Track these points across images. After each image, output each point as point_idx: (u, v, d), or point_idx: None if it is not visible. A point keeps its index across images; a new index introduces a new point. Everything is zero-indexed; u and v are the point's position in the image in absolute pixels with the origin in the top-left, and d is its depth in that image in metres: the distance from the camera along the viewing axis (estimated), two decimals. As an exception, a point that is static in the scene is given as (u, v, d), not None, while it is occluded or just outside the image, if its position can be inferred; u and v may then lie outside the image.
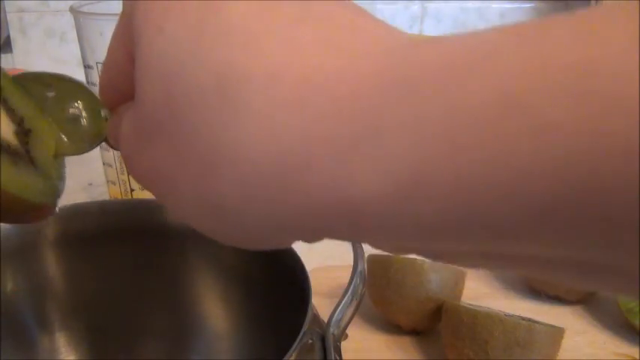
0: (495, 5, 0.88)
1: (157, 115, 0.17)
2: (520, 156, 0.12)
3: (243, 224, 0.16)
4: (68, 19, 0.73)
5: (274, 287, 0.38)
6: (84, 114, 0.25)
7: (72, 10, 0.53)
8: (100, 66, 0.53)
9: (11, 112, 0.24)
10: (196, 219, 0.17)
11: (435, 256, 0.16)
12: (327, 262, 0.56)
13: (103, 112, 0.24)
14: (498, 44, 0.12)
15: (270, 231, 0.16)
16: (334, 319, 0.32)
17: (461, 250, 0.15)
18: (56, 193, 0.24)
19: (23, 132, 0.24)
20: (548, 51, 0.12)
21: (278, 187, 0.15)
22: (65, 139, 0.25)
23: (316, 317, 0.33)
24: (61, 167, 0.25)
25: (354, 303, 0.34)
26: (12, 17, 0.82)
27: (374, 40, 0.15)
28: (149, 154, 0.18)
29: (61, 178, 0.25)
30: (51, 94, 0.25)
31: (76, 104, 0.25)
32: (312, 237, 0.16)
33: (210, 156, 0.16)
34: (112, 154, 0.58)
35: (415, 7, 0.88)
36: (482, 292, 0.53)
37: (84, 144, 0.25)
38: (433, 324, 0.46)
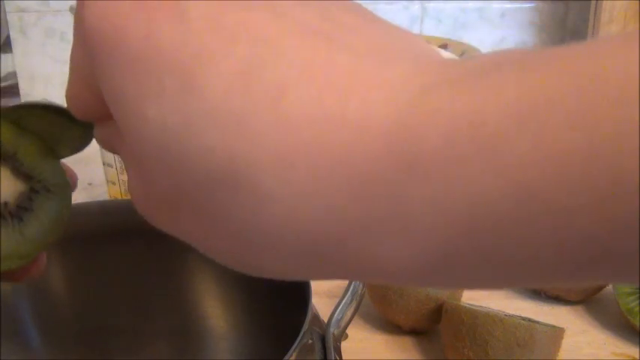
0: (496, 5, 0.88)
1: (168, 197, 0.16)
2: (541, 236, 0.12)
3: (286, 277, 0.17)
4: (68, 19, 0.73)
5: (274, 287, 0.38)
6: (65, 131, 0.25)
7: (72, 10, 0.53)
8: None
9: (17, 168, 0.24)
10: (235, 267, 0.17)
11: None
12: (327, 262, 0.56)
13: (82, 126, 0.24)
14: (501, 129, 0.12)
15: (310, 279, 0.18)
16: (334, 319, 0.32)
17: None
18: (36, 247, 0.25)
19: (36, 188, 0.24)
20: (552, 137, 0.12)
21: (315, 259, 0.15)
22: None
23: (316, 317, 0.33)
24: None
25: (354, 303, 0.34)
26: (12, 17, 0.82)
27: (371, 104, 0.14)
28: (168, 219, 0.17)
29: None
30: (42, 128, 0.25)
31: (56, 125, 0.25)
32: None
33: (241, 236, 0.15)
34: (112, 155, 0.58)
35: (415, 7, 0.88)
36: (482, 292, 0.53)
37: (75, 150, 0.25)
38: (433, 324, 0.46)
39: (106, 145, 0.21)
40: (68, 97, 0.20)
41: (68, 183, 0.25)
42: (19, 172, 0.24)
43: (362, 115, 0.13)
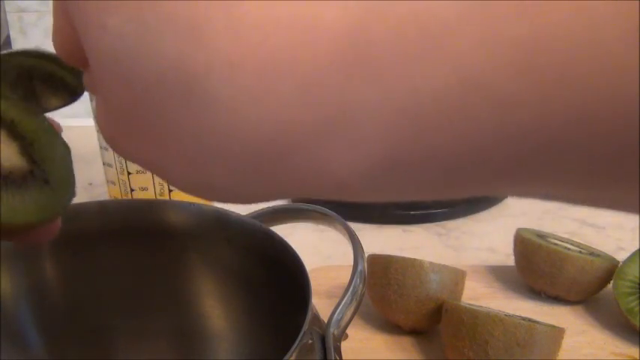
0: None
1: (126, 112, 0.17)
2: (485, 127, 0.13)
3: (238, 196, 0.17)
4: (68, 19, 0.73)
5: (274, 287, 0.38)
6: (55, 79, 0.25)
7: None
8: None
9: (11, 129, 0.24)
10: (194, 193, 0.18)
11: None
12: (327, 262, 0.56)
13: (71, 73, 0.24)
14: (449, 22, 0.13)
15: (263, 199, 0.17)
16: (334, 319, 0.32)
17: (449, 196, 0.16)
18: (61, 202, 0.24)
19: (27, 146, 0.24)
20: (496, 28, 0.12)
21: (264, 169, 0.15)
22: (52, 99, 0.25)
23: (316, 317, 0.33)
24: (68, 167, 0.25)
25: (354, 303, 0.34)
26: (12, 17, 0.82)
27: (324, 8, 0.14)
28: (129, 143, 0.18)
29: (70, 181, 0.25)
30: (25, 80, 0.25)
31: (46, 73, 0.25)
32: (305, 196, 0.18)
33: (191, 148, 0.16)
34: (112, 155, 0.58)
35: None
36: (482, 292, 0.53)
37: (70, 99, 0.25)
38: (433, 324, 0.46)
39: (91, 86, 0.21)
40: (54, 37, 0.20)
41: (57, 134, 0.25)
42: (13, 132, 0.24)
43: (313, 16, 0.14)
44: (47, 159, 0.24)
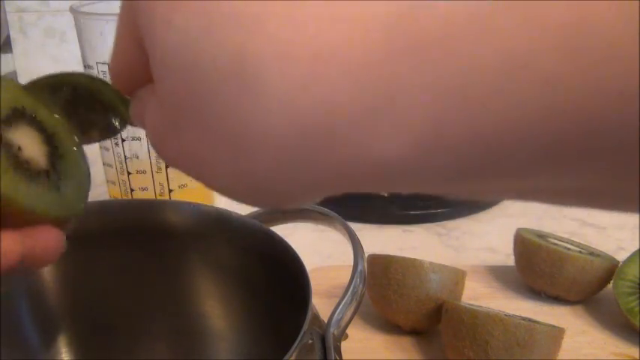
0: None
1: (181, 105, 0.18)
2: (529, 106, 0.13)
3: (277, 190, 0.17)
4: (68, 19, 0.73)
5: (274, 287, 0.38)
6: (104, 107, 0.25)
7: (72, 10, 0.54)
8: (99, 66, 0.53)
9: (38, 129, 0.24)
10: (232, 191, 0.19)
11: (453, 194, 0.18)
12: (327, 262, 0.56)
13: (121, 98, 0.25)
14: (496, 5, 0.13)
15: (300, 192, 0.18)
16: (334, 319, 0.32)
17: (483, 190, 0.16)
18: (75, 206, 0.25)
19: (53, 150, 0.25)
20: (541, 10, 0.13)
21: (307, 156, 0.16)
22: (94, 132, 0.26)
23: (316, 317, 0.33)
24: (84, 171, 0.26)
25: (354, 303, 0.34)
26: (12, 17, 0.82)
27: (378, 6, 0.15)
28: (178, 140, 0.19)
29: (85, 183, 0.26)
30: (66, 95, 0.25)
31: (95, 99, 0.25)
32: (338, 192, 0.18)
33: (239, 137, 0.16)
34: (112, 155, 0.58)
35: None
36: (482, 292, 0.53)
37: (110, 133, 0.26)
38: (433, 324, 0.46)
39: (136, 117, 0.23)
40: (113, 60, 0.22)
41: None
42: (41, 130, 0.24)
43: (362, 11, 0.15)
44: (68, 175, 0.25)
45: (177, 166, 0.20)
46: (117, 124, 0.26)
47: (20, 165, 0.23)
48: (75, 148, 0.25)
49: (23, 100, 0.24)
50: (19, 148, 0.23)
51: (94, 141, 0.27)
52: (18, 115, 0.24)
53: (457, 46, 0.13)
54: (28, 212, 0.23)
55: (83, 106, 0.26)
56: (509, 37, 0.13)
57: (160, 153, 0.21)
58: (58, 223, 0.24)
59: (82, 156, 0.26)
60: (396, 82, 0.14)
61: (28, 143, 0.24)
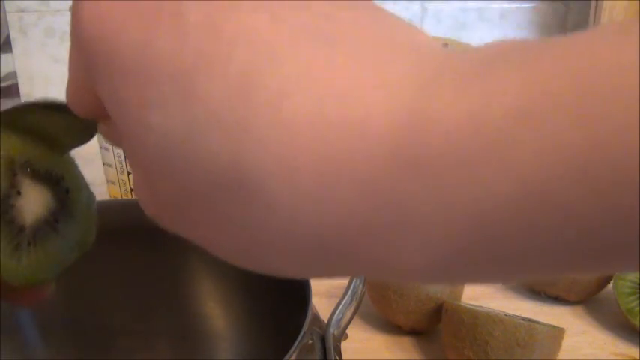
0: (495, 5, 0.88)
1: (176, 201, 0.16)
2: (543, 232, 0.13)
3: (288, 274, 0.17)
4: (68, 19, 0.73)
5: (274, 287, 0.38)
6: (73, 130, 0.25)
7: (72, 10, 0.53)
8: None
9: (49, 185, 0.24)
10: (234, 261, 0.17)
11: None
12: (327, 262, 0.56)
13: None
14: (508, 131, 0.12)
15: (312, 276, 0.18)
16: (334, 319, 0.32)
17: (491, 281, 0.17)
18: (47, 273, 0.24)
19: (62, 192, 0.25)
20: (553, 136, 0.12)
21: (321, 262, 0.15)
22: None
23: (316, 317, 0.33)
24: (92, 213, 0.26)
25: (354, 303, 0.34)
26: (12, 17, 0.82)
27: (371, 111, 0.13)
28: (176, 225, 0.17)
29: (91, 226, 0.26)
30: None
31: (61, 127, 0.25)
32: None
33: (249, 237, 0.15)
34: (112, 155, 0.58)
35: (415, 7, 0.88)
36: (482, 292, 0.53)
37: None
38: (433, 324, 0.46)
39: (110, 140, 0.21)
40: (68, 98, 0.20)
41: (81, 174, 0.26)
42: (39, 177, 0.24)
43: (362, 118, 0.13)
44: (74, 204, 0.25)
45: (164, 224, 0.18)
46: (83, 138, 0.25)
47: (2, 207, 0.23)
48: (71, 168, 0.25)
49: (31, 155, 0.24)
50: (19, 193, 0.23)
51: (72, 147, 0.25)
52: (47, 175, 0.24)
53: (463, 171, 0.13)
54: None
55: (51, 125, 0.24)
56: (525, 165, 0.12)
57: (153, 219, 0.19)
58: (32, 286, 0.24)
59: (81, 245, 0.25)
60: (406, 198, 0.13)
61: (33, 197, 0.23)
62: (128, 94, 0.15)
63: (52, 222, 0.24)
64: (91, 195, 0.26)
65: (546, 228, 0.12)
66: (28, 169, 0.24)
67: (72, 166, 0.25)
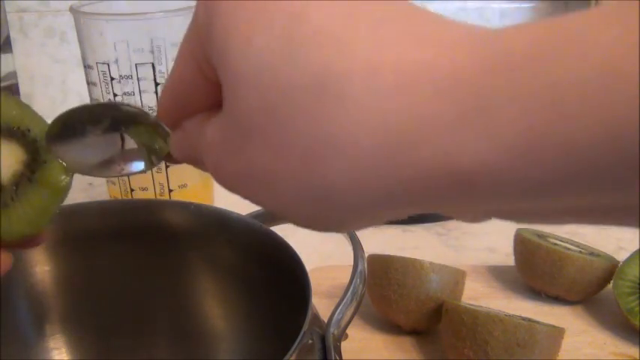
0: (495, 5, 0.88)
1: (254, 120, 0.18)
2: (620, 118, 0.13)
3: (345, 203, 0.17)
4: (68, 19, 0.73)
5: (274, 287, 0.38)
6: (141, 141, 0.25)
7: (72, 10, 0.53)
8: (99, 66, 0.53)
9: (27, 150, 0.25)
10: (295, 209, 0.19)
11: (517, 217, 0.18)
12: (327, 262, 0.56)
13: (162, 131, 0.25)
14: (580, 27, 0.14)
15: (369, 208, 0.17)
16: (334, 319, 0.32)
17: (551, 207, 0.17)
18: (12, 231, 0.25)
19: (31, 142, 0.25)
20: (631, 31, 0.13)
21: (387, 164, 0.16)
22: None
23: (316, 317, 0.33)
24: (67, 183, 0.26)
25: (354, 303, 0.34)
26: (12, 17, 0.82)
27: (458, 30, 0.16)
28: (244, 158, 0.19)
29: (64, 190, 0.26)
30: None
31: (133, 132, 0.25)
32: (407, 210, 0.18)
33: (315, 147, 0.17)
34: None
35: (415, 7, 0.88)
36: (482, 292, 0.53)
37: (149, 164, 0.26)
38: (433, 324, 0.46)
39: (180, 147, 0.23)
40: (169, 82, 0.23)
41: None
42: (6, 133, 0.25)
43: (447, 33, 0.15)
44: (24, 199, 0.25)
45: (236, 186, 0.20)
46: (152, 158, 0.26)
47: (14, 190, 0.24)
48: (54, 180, 0.25)
49: (28, 120, 0.25)
50: None
51: (124, 174, 0.26)
52: (12, 133, 0.24)
53: (546, 62, 0.14)
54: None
55: (120, 139, 0.25)
56: (603, 46, 0.13)
57: (219, 173, 0.20)
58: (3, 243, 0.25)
59: (57, 189, 0.26)
60: (485, 95, 0.14)
61: (4, 155, 0.24)
62: (239, 25, 0.18)
63: (28, 174, 0.25)
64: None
65: (620, 109, 0.13)
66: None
67: (35, 115, 0.26)
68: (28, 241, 0.26)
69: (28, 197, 0.25)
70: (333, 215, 0.18)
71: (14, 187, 0.25)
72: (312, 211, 0.18)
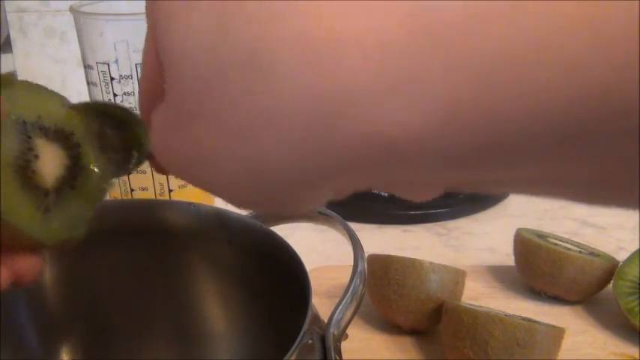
0: None
1: (191, 98, 0.18)
2: (550, 90, 0.13)
3: (285, 180, 0.18)
4: (68, 19, 0.73)
5: (274, 287, 0.38)
6: (128, 141, 0.26)
7: (72, 10, 0.54)
8: (99, 66, 0.53)
9: (69, 153, 0.24)
10: (235, 187, 0.19)
11: (459, 185, 0.18)
12: (327, 262, 0.56)
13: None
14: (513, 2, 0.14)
15: (305, 184, 0.18)
16: (334, 319, 0.32)
17: (492, 178, 0.17)
18: (58, 235, 0.24)
19: (74, 147, 0.25)
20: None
21: (319, 135, 0.16)
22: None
23: (316, 317, 0.33)
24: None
25: (354, 303, 0.34)
26: (12, 17, 0.82)
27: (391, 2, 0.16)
28: (183, 137, 0.19)
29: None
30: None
31: (121, 132, 0.25)
32: (346, 187, 0.18)
33: (250, 122, 0.17)
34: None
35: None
36: (482, 292, 0.53)
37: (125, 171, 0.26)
38: (433, 324, 0.46)
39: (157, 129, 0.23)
40: (141, 79, 0.23)
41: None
42: (51, 135, 0.24)
43: (380, 4, 0.15)
44: (67, 204, 0.25)
45: (180, 168, 0.20)
46: (134, 160, 0.26)
47: (25, 174, 0.23)
48: (98, 183, 0.25)
49: (71, 121, 0.25)
50: (36, 157, 0.23)
51: (127, 173, 0.26)
52: (57, 133, 0.24)
53: (476, 30, 0.14)
54: (7, 226, 0.22)
55: (109, 140, 0.25)
56: (531, 22, 0.13)
57: (164, 158, 0.21)
58: (35, 245, 0.24)
59: (98, 195, 0.25)
60: (412, 64, 0.14)
61: (49, 158, 0.24)
62: (175, 10, 0.18)
63: (69, 179, 0.24)
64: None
65: (554, 85, 0.13)
66: (40, 129, 0.24)
67: (79, 117, 0.25)
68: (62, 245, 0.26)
69: (69, 203, 0.24)
70: (272, 192, 0.18)
71: (56, 193, 0.24)
72: (252, 188, 0.19)
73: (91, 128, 0.25)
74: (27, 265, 0.24)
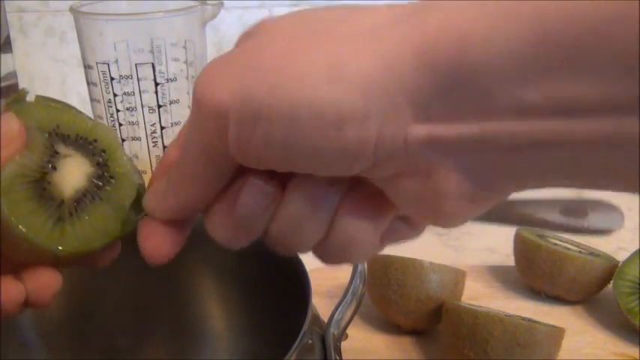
0: None
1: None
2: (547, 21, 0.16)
3: (360, 81, 0.19)
4: (68, 19, 0.73)
5: (274, 287, 0.38)
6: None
7: (72, 10, 0.53)
8: (99, 66, 0.53)
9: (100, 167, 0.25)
10: (311, 87, 0.20)
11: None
12: (327, 262, 0.56)
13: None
14: None
15: (380, 92, 0.19)
16: (334, 319, 0.32)
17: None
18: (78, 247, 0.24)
19: (99, 155, 0.25)
20: None
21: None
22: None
23: (316, 317, 0.33)
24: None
25: (354, 303, 0.34)
26: (12, 17, 0.82)
27: (394, 35, 0.19)
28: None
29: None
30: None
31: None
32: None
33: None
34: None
35: (415, 7, 0.88)
36: (482, 292, 0.53)
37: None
38: (433, 324, 0.46)
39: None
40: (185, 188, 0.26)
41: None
42: (72, 144, 0.24)
43: (392, 39, 0.19)
44: (87, 214, 0.24)
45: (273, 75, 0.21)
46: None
47: (39, 184, 0.23)
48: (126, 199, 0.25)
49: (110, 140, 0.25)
50: (54, 168, 0.23)
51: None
52: (79, 140, 0.24)
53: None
54: (24, 240, 0.22)
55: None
56: None
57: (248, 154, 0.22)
58: (50, 259, 0.23)
59: (124, 209, 0.25)
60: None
61: (69, 169, 0.23)
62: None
63: (93, 189, 0.24)
64: (126, 154, 0.26)
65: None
66: (59, 138, 0.24)
67: (103, 127, 0.25)
68: (83, 259, 0.25)
69: (91, 213, 0.24)
70: (344, 94, 0.19)
71: (75, 203, 0.23)
72: (327, 87, 0.19)
73: (115, 136, 0.25)
74: (42, 281, 0.24)
